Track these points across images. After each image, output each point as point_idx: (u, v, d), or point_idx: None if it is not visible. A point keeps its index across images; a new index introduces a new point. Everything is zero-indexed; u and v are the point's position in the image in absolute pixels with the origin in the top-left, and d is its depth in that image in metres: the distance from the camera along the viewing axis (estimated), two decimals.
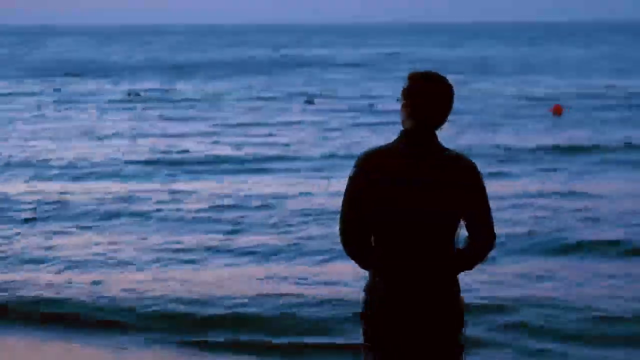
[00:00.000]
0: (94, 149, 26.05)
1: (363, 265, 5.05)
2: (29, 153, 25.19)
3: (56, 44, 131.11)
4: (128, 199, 18.13)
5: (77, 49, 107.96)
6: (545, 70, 60.60)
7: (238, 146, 26.13)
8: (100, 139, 28.60)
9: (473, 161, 5.02)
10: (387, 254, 4.95)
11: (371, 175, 4.91)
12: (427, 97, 4.95)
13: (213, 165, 22.89)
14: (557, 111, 34.43)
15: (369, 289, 5.04)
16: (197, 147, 26.10)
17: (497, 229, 5.06)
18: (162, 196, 18.50)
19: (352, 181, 4.96)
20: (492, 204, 5.03)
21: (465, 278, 5.21)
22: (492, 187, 18.15)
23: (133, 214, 16.66)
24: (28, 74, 61.88)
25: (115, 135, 29.48)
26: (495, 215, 5.09)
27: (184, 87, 49.72)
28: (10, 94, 46.41)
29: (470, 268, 5.06)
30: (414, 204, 4.89)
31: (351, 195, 4.97)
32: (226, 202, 17.76)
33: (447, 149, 5.00)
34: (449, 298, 4.99)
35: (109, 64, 74.53)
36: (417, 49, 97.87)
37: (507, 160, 23.11)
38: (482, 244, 5.02)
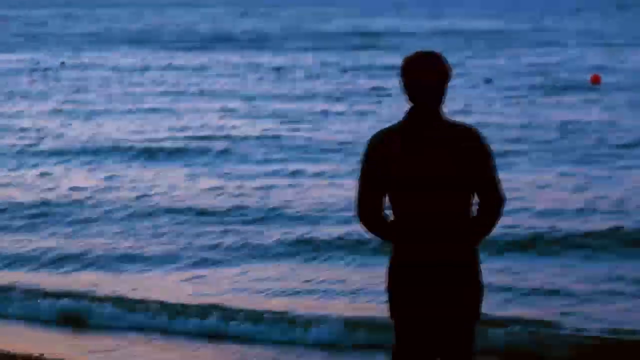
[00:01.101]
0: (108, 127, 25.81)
1: (380, 235, 5.36)
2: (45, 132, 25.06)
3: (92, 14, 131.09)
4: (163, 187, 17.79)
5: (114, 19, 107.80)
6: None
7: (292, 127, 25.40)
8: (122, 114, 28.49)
9: (478, 130, 5.27)
10: (405, 223, 5.22)
11: (382, 154, 5.21)
12: (424, 75, 5.22)
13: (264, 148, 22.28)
14: (596, 81, 34.81)
15: (390, 261, 5.33)
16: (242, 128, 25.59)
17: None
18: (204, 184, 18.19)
19: (365, 162, 5.28)
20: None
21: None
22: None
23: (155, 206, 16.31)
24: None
25: (151, 110, 29.39)
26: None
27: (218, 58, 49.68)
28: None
29: (484, 234, 5.32)
30: (426, 173, 5.15)
31: (365, 174, 5.27)
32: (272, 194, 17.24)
33: (451, 121, 5.27)
34: (467, 267, 5.26)
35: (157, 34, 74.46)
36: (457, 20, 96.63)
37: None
38: (491, 208, 5.26)
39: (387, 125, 5.35)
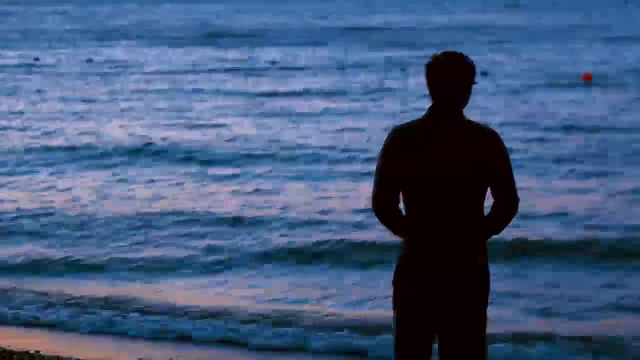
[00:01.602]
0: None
1: (393, 230, 5.39)
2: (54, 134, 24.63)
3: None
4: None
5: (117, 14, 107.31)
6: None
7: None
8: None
9: (495, 131, 5.34)
10: (418, 220, 5.29)
11: (401, 148, 5.27)
12: (446, 76, 5.29)
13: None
14: (587, 79, 35.23)
15: (400, 255, 5.39)
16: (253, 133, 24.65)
17: None
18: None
19: (384, 154, 5.33)
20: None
21: None
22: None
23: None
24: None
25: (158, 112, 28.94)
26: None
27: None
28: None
29: (496, 232, 5.38)
30: (441, 171, 5.23)
31: (383, 167, 5.32)
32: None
33: (471, 121, 5.35)
34: (475, 264, 5.31)
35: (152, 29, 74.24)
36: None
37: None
38: (505, 207, 5.33)
39: (388, 120, 5.41)
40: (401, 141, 5.29)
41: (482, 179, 5.27)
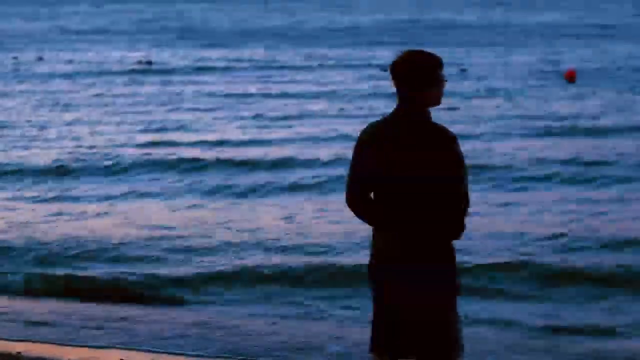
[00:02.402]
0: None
1: (369, 221, 5.56)
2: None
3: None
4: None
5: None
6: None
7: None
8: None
9: (453, 133, 5.46)
10: (387, 213, 5.46)
11: (367, 146, 5.45)
12: (409, 77, 5.38)
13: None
14: (571, 77, 35.26)
15: (372, 247, 5.60)
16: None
17: None
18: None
19: (356, 150, 5.52)
20: None
21: None
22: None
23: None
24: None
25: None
26: None
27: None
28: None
29: (452, 235, 5.49)
30: (401, 171, 5.39)
31: (355, 162, 5.52)
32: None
33: (433, 122, 5.45)
34: (440, 264, 5.50)
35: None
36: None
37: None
38: (455, 211, 5.46)
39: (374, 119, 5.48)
40: (368, 139, 5.45)
41: (438, 180, 5.39)
